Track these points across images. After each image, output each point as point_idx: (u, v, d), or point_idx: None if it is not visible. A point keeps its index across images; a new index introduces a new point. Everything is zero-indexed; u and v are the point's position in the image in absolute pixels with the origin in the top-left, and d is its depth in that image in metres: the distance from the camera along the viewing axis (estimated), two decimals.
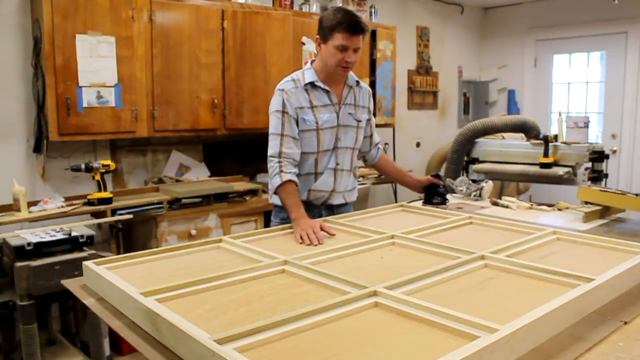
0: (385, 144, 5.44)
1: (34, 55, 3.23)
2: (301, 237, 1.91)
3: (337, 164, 2.30)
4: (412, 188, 2.60)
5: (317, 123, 2.21)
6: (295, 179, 2.15)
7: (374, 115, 2.55)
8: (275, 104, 2.21)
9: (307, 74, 2.24)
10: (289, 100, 2.19)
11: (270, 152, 2.19)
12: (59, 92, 3.12)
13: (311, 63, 2.28)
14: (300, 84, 2.23)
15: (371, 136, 2.50)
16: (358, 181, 2.48)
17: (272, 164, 2.16)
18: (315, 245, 1.85)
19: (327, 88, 2.24)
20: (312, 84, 2.22)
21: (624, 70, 5.73)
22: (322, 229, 1.96)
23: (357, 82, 2.37)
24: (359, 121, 2.35)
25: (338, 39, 2.11)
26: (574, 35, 6.02)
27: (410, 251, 1.77)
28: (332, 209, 2.37)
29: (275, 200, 2.29)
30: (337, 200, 2.35)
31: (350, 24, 2.09)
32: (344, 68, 2.18)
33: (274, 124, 2.20)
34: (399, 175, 2.60)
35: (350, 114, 2.31)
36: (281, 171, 2.13)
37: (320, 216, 2.29)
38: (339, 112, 2.28)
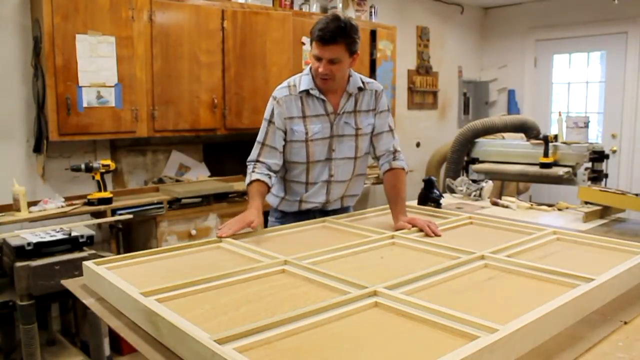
0: None
1: (34, 55, 3.23)
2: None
3: (331, 175, 2.19)
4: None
5: (306, 134, 2.12)
6: (264, 179, 2.09)
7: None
8: (266, 111, 2.16)
9: (304, 80, 2.13)
10: (279, 110, 2.12)
11: (249, 158, 2.17)
12: (59, 92, 3.12)
13: (310, 68, 2.14)
14: (295, 91, 2.12)
15: (378, 136, 2.26)
16: None
17: (248, 169, 2.15)
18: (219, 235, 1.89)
19: (322, 97, 2.12)
20: (307, 92, 2.11)
21: (624, 70, 5.73)
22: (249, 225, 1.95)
23: (361, 87, 2.17)
24: (358, 129, 2.18)
25: (314, 48, 2.02)
26: (574, 35, 6.02)
27: (410, 251, 1.77)
28: (328, 213, 2.28)
29: (270, 200, 2.28)
30: (332, 206, 2.28)
31: (322, 35, 1.96)
32: (321, 79, 2.06)
33: (260, 131, 2.17)
34: (389, 202, 2.22)
35: (347, 122, 2.17)
36: (253, 171, 2.12)
37: (315, 217, 2.24)
38: (334, 122, 2.15)
